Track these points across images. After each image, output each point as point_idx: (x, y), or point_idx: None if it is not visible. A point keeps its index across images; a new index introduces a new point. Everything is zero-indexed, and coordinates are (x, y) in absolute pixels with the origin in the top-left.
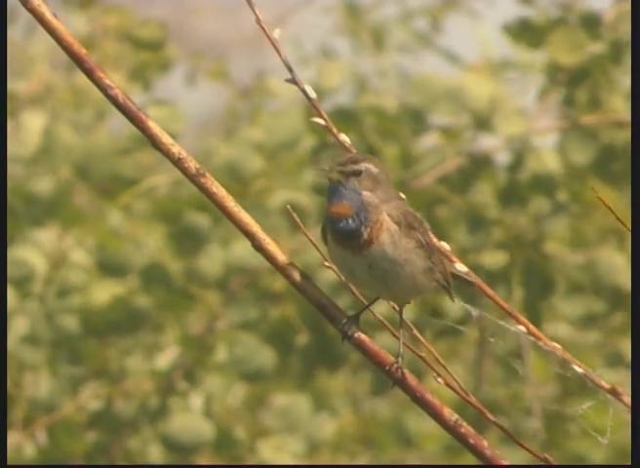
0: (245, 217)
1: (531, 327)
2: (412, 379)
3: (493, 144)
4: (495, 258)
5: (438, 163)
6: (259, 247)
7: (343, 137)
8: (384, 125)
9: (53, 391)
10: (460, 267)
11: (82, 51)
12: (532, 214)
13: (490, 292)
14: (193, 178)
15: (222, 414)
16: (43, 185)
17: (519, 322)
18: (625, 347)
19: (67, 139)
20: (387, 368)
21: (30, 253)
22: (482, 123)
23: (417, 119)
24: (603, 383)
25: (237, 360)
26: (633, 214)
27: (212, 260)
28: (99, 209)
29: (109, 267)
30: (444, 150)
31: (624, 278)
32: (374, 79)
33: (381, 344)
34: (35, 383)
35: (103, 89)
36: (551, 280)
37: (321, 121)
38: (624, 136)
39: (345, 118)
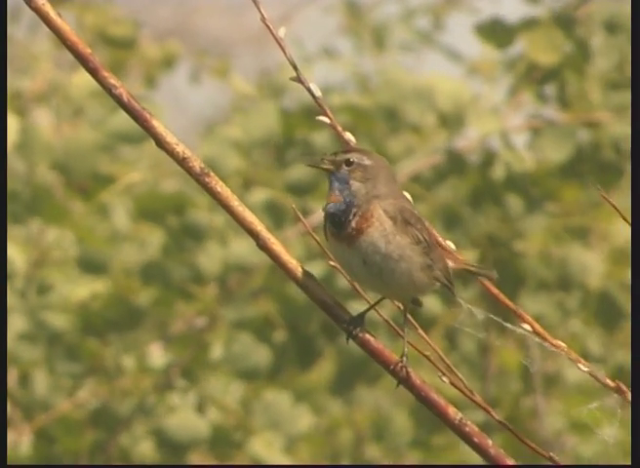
0: (249, 217)
1: (536, 326)
2: (416, 378)
3: (466, 143)
4: (467, 256)
5: (412, 161)
6: (263, 246)
7: (349, 136)
8: (358, 123)
9: (49, 389)
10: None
11: (86, 50)
12: (505, 212)
13: (494, 290)
14: (198, 178)
15: (217, 412)
16: (22, 182)
17: (524, 321)
18: (592, 344)
19: (46, 136)
20: (392, 367)
21: (11, 249)
22: (450, 122)
23: (390, 117)
24: (608, 382)
25: (234, 358)
26: (633, 211)
27: (210, 258)
28: (78, 206)
29: (90, 264)
30: (417, 149)
31: (594, 276)
32: (375, 78)
33: (385, 343)
34: (31, 381)
35: (108, 88)
36: (521, 278)
37: (326, 120)
38: (595, 136)
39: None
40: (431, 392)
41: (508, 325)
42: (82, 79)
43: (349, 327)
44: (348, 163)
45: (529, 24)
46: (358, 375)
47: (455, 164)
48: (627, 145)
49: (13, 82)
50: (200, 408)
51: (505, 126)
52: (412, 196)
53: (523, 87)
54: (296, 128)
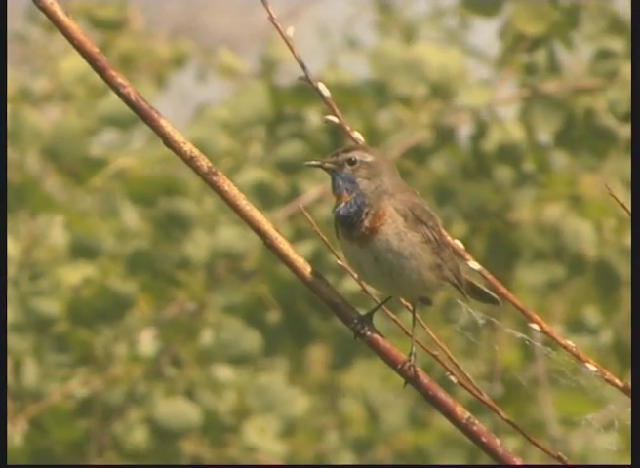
0: (257, 215)
1: (545, 325)
2: (424, 377)
3: (456, 116)
4: (458, 229)
5: (403, 136)
6: (270, 245)
7: (357, 135)
8: (346, 99)
9: (39, 379)
10: (474, 265)
11: (94, 49)
12: (496, 184)
13: (503, 289)
14: (205, 177)
15: (209, 398)
16: (12, 170)
17: (532, 320)
18: (587, 314)
19: (35, 122)
20: (399, 366)
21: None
22: (440, 94)
23: (379, 92)
24: (616, 381)
25: (223, 344)
26: (633, 205)
27: (197, 245)
28: (69, 191)
29: (81, 249)
30: (408, 123)
31: (588, 244)
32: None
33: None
34: (22, 371)
35: (115, 87)
36: (515, 249)
37: (335, 119)
38: (585, 103)
39: (307, 93)
40: (439, 391)
41: (510, 329)
42: (71, 63)
43: (357, 326)
44: (351, 162)
45: None
46: (354, 354)
47: (445, 137)
48: (621, 109)
49: (29, 81)
50: (191, 394)
51: (495, 97)
52: (403, 171)
53: (511, 57)
54: (286, 103)
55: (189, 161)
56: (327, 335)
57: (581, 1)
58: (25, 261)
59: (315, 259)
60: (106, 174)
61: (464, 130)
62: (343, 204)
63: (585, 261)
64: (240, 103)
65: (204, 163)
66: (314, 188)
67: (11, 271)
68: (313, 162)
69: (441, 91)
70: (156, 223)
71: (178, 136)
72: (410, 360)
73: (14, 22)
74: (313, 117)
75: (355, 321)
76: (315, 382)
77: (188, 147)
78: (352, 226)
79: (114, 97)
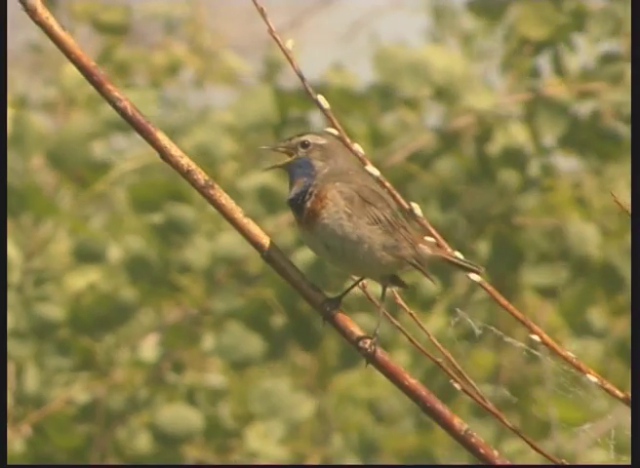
0: (254, 229)
1: (545, 336)
2: (422, 389)
3: (461, 119)
4: (464, 232)
5: (408, 140)
6: (268, 258)
7: (357, 148)
8: (351, 104)
9: (40, 385)
10: (474, 277)
11: (91, 63)
12: (501, 187)
13: (503, 301)
14: (202, 190)
15: (210, 404)
16: (16, 175)
17: (532, 331)
18: (591, 316)
19: (38, 127)
20: (359, 343)
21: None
22: (445, 96)
23: (385, 95)
24: (617, 392)
25: (225, 348)
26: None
27: (197, 252)
28: (73, 197)
29: (85, 254)
30: (413, 126)
31: (593, 247)
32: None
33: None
34: (22, 377)
35: (112, 101)
36: (520, 251)
37: (334, 131)
38: (589, 106)
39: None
40: (437, 403)
41: (509, 339)
42: (73, 69)
43: (324, 307)
44: (304, 145)
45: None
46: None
47: (450, 141)
48: (626, 112)
49: (41, 90)
50: (192, 399)
51: (500, 100)
52: (408, 175)
53: (516, 61)
54: (291, 107)
55: (186, 175)
56: (330, 339)
57: (587, 4)
58: (29, 266)
59: (316, 265)
60: (110, 178)
61: (469, 133)
62: (296, 190)
63: (590, 263)
64: (245, 107)
65: (200, 176)
66: None
67: (14, 277)
68: (266, 147)
69: (446, 93)
70: (157, 230)
71: (174, 151)
72: (373, 339)
73: (28, 32)
74: (319, 121)
75: (322, 303)
76: (315, 386)
77: (185, 161)
78: (300, 209)
79: None
